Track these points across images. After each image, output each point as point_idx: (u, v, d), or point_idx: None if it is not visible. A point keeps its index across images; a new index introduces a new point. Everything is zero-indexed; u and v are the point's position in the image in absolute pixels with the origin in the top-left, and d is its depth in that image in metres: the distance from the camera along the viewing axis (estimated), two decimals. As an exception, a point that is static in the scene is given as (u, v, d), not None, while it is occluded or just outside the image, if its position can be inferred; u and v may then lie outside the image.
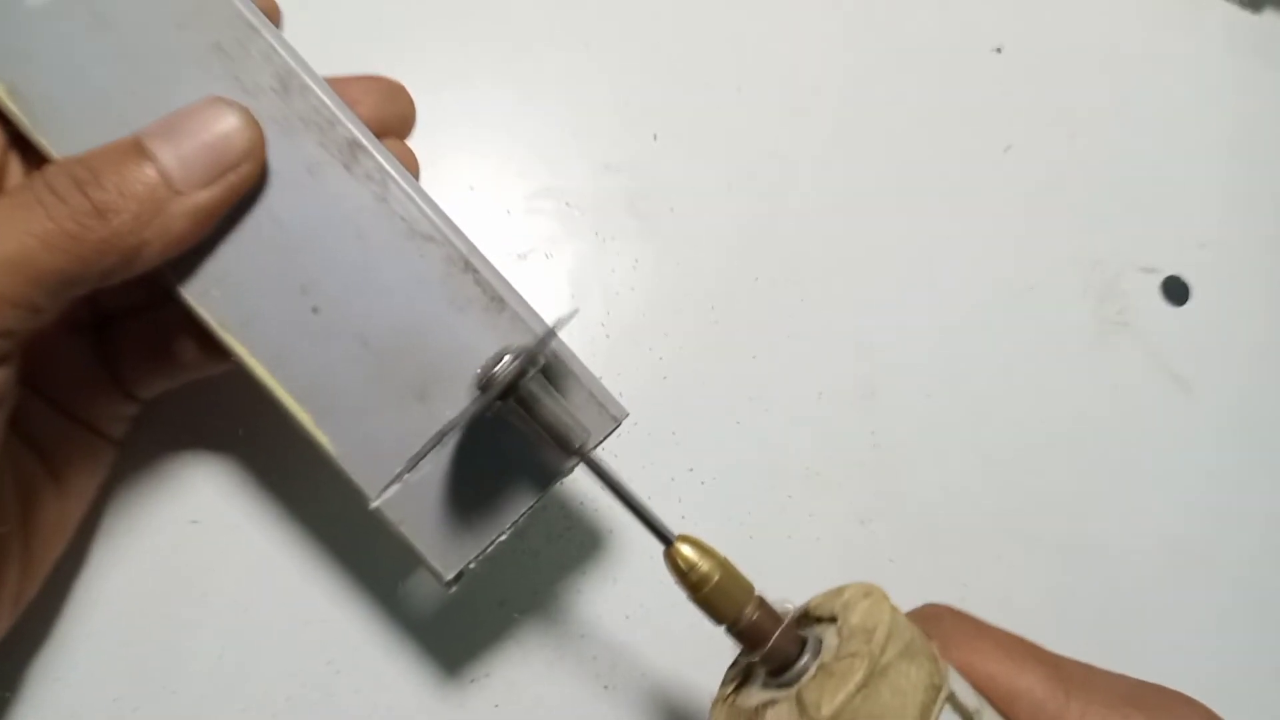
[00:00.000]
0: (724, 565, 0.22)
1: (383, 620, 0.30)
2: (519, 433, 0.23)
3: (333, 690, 0.30)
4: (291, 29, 0.27)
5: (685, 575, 0.22)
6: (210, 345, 0.24)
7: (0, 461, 0.24)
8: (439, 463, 0.24)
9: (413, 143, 0.29)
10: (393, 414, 0.24)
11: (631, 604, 0.32)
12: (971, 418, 0.37)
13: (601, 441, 0.24)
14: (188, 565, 0.30)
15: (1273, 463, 0.39)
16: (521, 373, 0.22)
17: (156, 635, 0.29)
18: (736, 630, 0.22)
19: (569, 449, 0.23)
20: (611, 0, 0.38)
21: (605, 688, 0.31)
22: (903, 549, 0.35)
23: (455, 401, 0.24)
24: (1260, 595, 0.37)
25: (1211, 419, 0.39)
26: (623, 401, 0.25)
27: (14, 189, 0.21)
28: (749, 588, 0.22)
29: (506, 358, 0.22)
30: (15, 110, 0.23)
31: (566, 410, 0.23)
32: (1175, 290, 0.40)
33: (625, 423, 0.25)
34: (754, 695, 0.22)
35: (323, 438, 0.23)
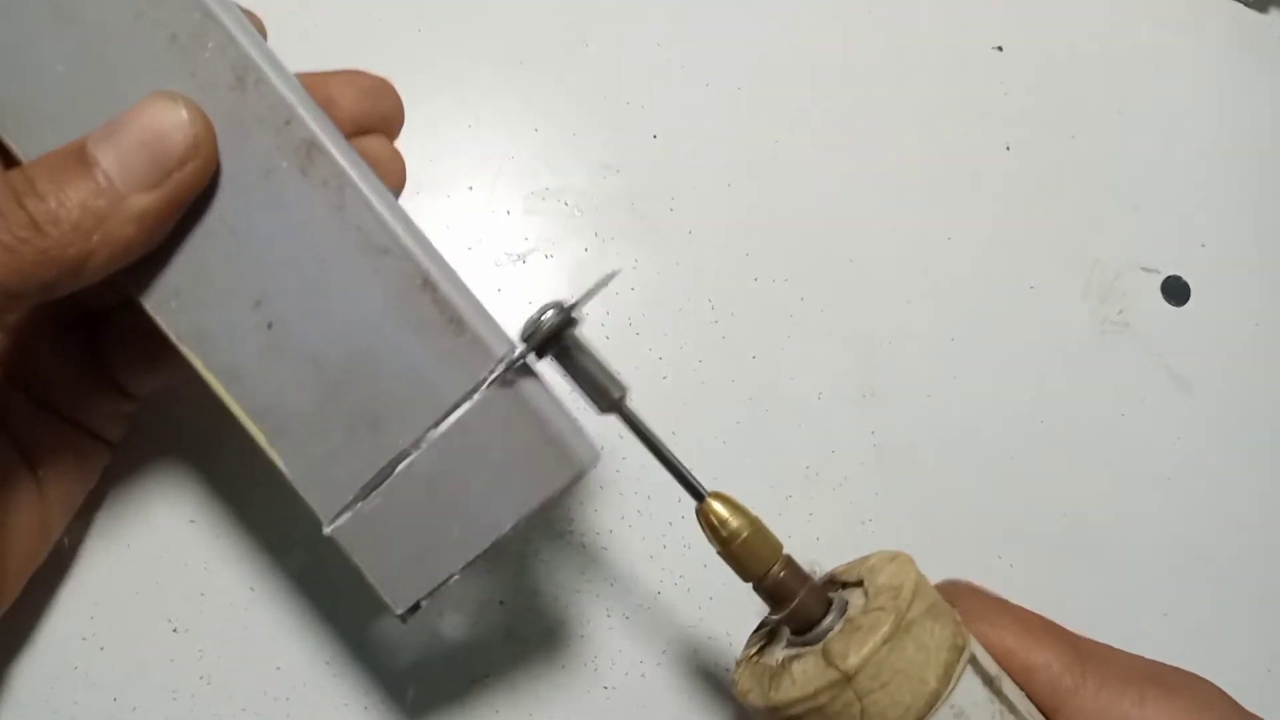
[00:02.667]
0: (754, 523, 0.23)
1: (383, 620, 0.30)
2: (488, 461, 0.22)
3: (332, 691, 0.30)
4: (290, 27, 0.26)
5: (716, 530, 0.22)
6: None
7: None
8: (401, 486, 0.22)
9: (412, 143, 0.28)
10: (345, 440, 0.22)
11: (631, 604, 0.32)
12: (971, 418, 0.37)
13: (573, 485, 0.23)
14: (186, 565, 0.30)
15: (1273, 463, 0.39)
16: (568, 322, 0.22)
17: (155, 635, 0.29)
18: (764, 587, 0.22)
19: (607, 401, 0.22)
20: (611, 0, 0.38)
21: (605, 688, 0.31)
22: (903, 549, 0.34)
23: (408, 432, 0.22)
24: (1260, 595, 0.37)
25: (1211, 419, 0.39)
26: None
27: None
28: (778, 546, 0.23)
29: (550, 311, 0.22)
30: None
31: (604, 364, 0.22)
32: (1175, 290, 0.40)
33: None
34: (778, 654, 0.22)
35: (276, 457, 0.22)
